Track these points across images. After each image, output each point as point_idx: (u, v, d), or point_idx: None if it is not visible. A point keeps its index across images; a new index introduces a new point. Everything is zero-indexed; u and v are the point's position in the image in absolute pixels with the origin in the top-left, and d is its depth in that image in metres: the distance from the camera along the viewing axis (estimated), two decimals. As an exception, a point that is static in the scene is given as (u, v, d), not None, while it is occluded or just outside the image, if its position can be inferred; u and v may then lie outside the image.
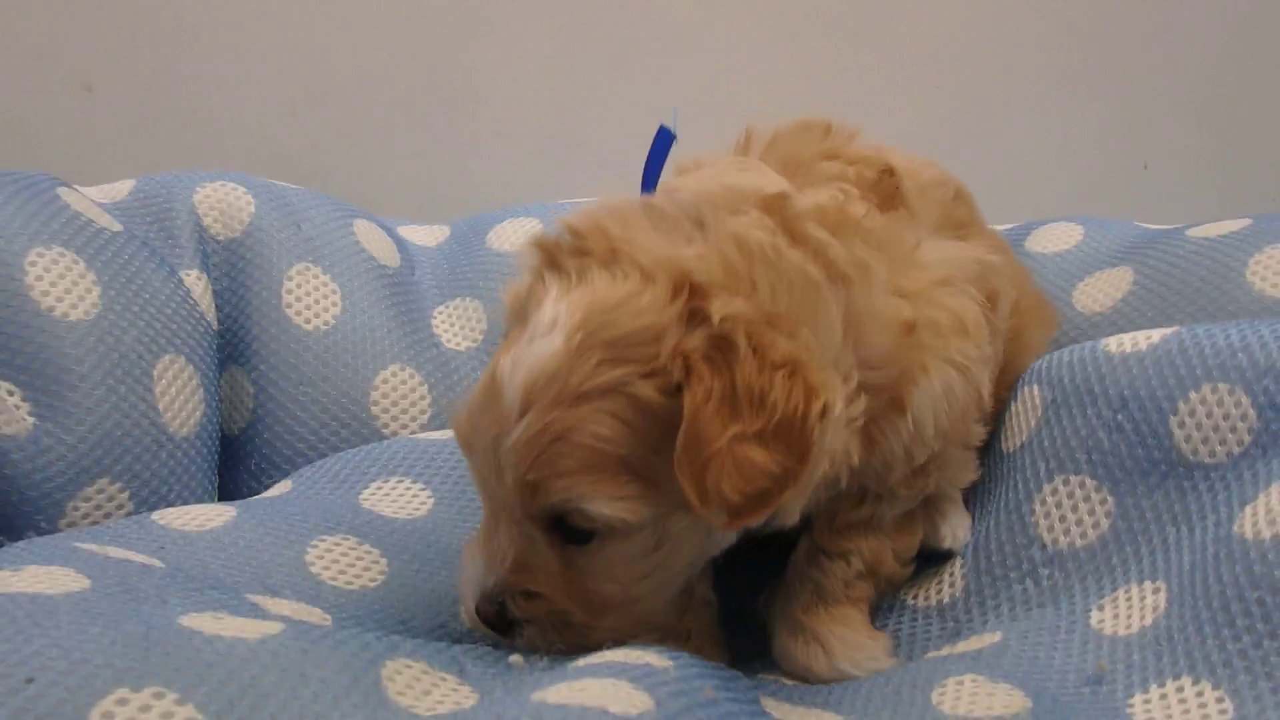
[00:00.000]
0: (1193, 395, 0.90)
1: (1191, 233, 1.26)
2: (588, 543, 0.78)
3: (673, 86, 2.01)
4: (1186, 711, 0.75)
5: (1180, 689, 0.77)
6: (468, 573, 0.81)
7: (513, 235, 1.38)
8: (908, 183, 0.99)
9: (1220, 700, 0.75)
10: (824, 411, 0.72)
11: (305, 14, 2.07)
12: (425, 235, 1.42)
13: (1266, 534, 0.80)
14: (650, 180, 1.00)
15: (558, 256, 0.80)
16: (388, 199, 1.60)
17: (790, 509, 0.81)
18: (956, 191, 1.08)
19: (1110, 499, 0.92)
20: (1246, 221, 1.23)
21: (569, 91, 2.07)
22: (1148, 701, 0.77)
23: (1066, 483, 0.95)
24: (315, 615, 0.76)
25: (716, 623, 0.96)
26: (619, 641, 0.77)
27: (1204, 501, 0.87)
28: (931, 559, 1.00)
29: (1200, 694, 0.76)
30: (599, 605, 0.80)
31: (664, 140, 1.00)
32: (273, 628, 0.67)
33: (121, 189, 1.23)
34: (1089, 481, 0.94)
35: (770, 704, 0.79)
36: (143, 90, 2.06)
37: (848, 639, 0.91)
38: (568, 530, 0.78)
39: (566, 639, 0.80)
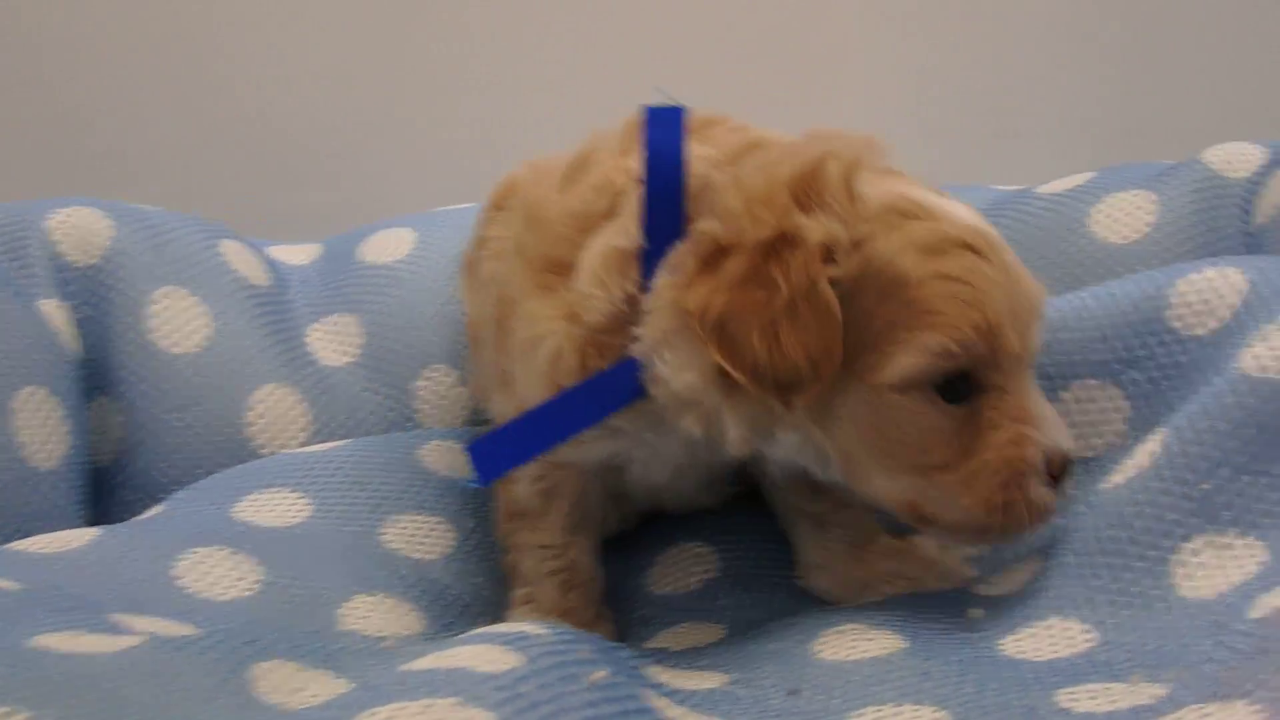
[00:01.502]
0: (1065, 394, 0.95)
1: (1041, 189, 1.30)
2: None
3: (536, 91, 2.04)
4: (1054, 643, 0.79)
5: (1049, 627, 0.81)
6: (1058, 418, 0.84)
7: (386, 246, 1.37)
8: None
9: (1086, 631, 0.79)
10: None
11: (176, 43, 2.06)
12: (296, 254, 1.41)
13: (1120, 480, 0.85)
14: None
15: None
16: (257, 222, 1.59)
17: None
18: None
19: None
20: (1091, 175, 1.28)
21: (449, 102, 2.09)
22: (1018, 640, 0.80)
23: None
24: (185, 629, 0.75)
25: (601, 599, 0.98)
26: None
27: (1084, 488, 0.90)
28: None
29: (1068, 629, 0.80)
30: None
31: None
32: (133, 640, 0.67)
33: (-32, 220, 1.20)
34: None
35: (655, 670, 0.81)
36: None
37: (926, 558, 0.94)
38: None
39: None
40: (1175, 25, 2.02)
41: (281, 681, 0.67)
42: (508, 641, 0.66)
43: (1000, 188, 1.40)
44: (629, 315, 0.84)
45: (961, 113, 2.03)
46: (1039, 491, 0.81)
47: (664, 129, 0.85)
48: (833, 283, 0.78)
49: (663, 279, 0.82)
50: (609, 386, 0.85)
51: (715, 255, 0.79)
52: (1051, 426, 0.82)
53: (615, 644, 0.80)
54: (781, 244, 0.78)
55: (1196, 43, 2.02)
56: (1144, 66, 2.03)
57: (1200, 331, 0.89)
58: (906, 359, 0.78)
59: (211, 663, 0.65)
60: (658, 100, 0.87)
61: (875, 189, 0.82)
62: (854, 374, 0.79)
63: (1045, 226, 1.24)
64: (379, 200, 1.80)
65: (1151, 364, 0.91)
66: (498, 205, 1.10)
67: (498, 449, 0.86)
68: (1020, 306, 0.81)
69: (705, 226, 0.81)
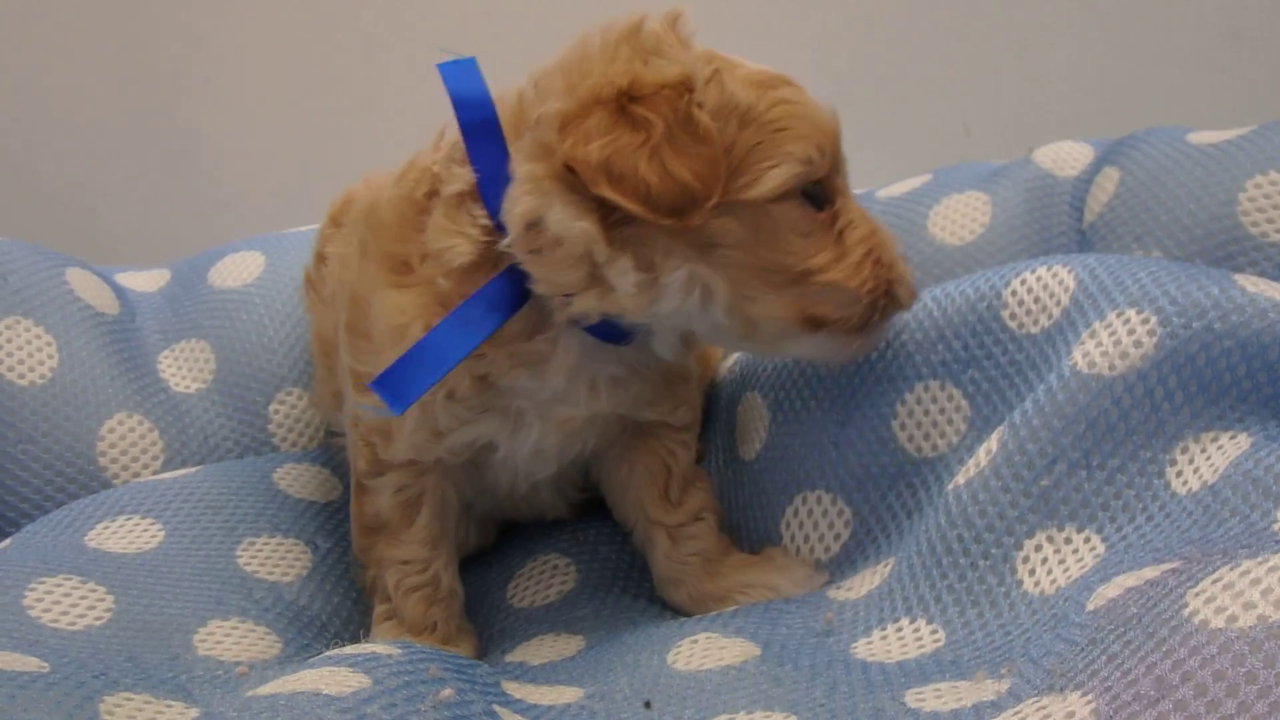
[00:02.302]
0: (908, 396, 0.97)
1: (880, 194, 1.34)
2: None
3: (387, 123, 2.03)
4: (904, 645, 0.81)
5: (899, 629, 0.83)
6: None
7: (235, 271, 1.35)
8: None
9: (934, 631, 0.82)
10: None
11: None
12: (145, 280, 1.38)
13: (962, 480, 0.87)
14: None
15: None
16: (104, 249, 1.56)
17: None
18: None
19: (847, 509, 0.97)
20: (927, 177, 1.32)
21: (292, 122, 2.06)
22: (869, 643, 0.83)
23: (805, 501, 1.00)
24: (32, 664, 0.72)
25: (462, 614, 0.99)
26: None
27: (931, 489, 0.94)
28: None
29: (917, 630, 0.82)
30: None
31: None
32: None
33: None
34: (825, 495, 0.99)
35: (512, 686, 0.81)
36: None
37: (781, 566, 0.98)
38: None
39: None
40: (1002, 25, 2.08)
41: (132, 713, 0.66)
42: (355, 664, 0.66)
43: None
44: (488, 247, 0.87)
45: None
46: (905, 267, 0.91)
47: (461, 74, 0.88)
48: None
49: (521, 167, 0.84)
50: (494, 295, 0.87)
51: (569, 125, 0.82)
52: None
53: (470, 661, 0.80)
54: (638, 88, 0.82)
55: (1022, 41, 2.08)
56: (971, 68, 2.09)
57: (1034, 330, 0.92)
58: (779, 171, 0.85)
59: (58, 698, 0.64)
60: (445, 58, 0.90)
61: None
62: (731, 198, 0.84)
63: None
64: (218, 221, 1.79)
65: (990, 363, 0.94)
66: (335, 221, 1.10)
67: (403, 377, 0.86)
68: (834, 124, 0.89)
69: (545, 109, 0.83)
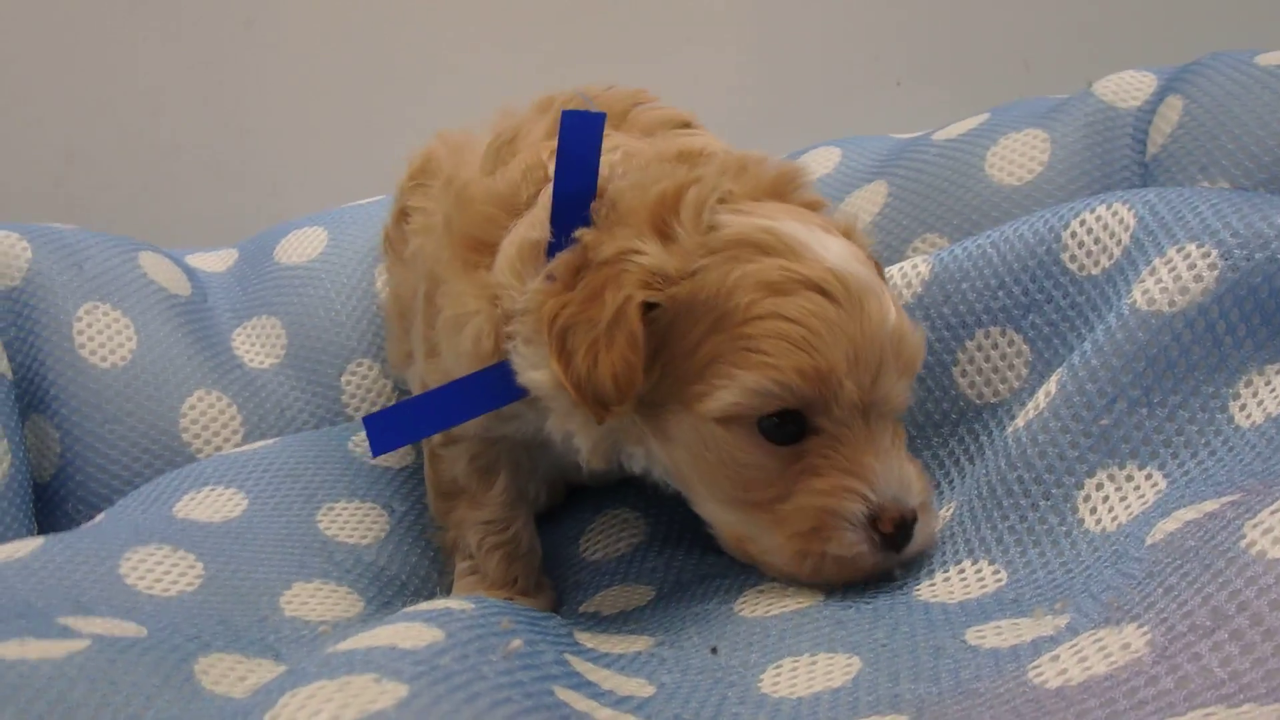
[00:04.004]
0: (969, 343, 0.96)
1: (937, 135, 1.32)
2: None
3: (437, 91, 2.04)
4: (966, 585, 0.82)
5: (962, 571, 0.83)
6: (907, 475, 0.83)
7: (299, 247, 1.39)
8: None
9: (996, 572, 0.82)
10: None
11: (76, 58, 2.05)
12: (214, 261, 1.42)
13: (1021, 422, 0.87)
14: None
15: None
16: (173, 232, 1.60)
17: None
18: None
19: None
20: (985, 116, 1.30)
21: (343, 100, 2.09)
22: (932, 585, 0.83)
23: None
24: (130, 629, 0.76)
25: (541, 569, 1.01)
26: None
27: (992, 434, 0.93)
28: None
29: (979, 571, 0.83)
30: None
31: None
32: (79, 645, 0.68)
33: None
34: None
35: (585, 636, 0.84)
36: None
37: None
38: None
39: None
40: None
41: (225, 672, 0.69)
42: (430, 619, 0.67)
43: (899, 136, 1.41)
44: None
45: (860, 62, 2.05)
46: (847, 545, 0.81)
47: (580, 134, 0.85)
48: (654, 308, 0.80)
49: (536, 282, 0.84)
50: (493, 382, 0.87)
51: (581, 266, 0.82)
52: (891, 482, 0.82)
53: (543, 614, 0.82)
54: (617, 264, 0.80)
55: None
56: (1030, 2, 2.06)
57: (1094, 271, 0.91)
58: (727, 395, 0.79)
59: (155, 661, 0.67)
60: (577, 104, 0.90)
61: (738, 220, 0.82)
62: (683, 401, 0.81)
63: (942, 174, 1.26)
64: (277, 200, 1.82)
65: (1050, 307, 0.93)
66: (415, 177, 1.12)
67: (391, 425, 0.88)
68: (869, 354, 0.80)
69: (583, 235, 0.83)
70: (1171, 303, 0.82)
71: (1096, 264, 0.91)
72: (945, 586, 0.82)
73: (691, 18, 2.05)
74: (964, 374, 0.96)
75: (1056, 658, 0.64)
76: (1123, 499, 0.80)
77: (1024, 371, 0.94)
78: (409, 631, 0.64)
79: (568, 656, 0.72)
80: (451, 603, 0.73)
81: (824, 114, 1.89)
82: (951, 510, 0.90)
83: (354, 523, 1.08)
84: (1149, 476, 0.80)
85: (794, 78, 2.00)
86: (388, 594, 1.02)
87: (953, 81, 2.01)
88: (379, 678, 0.56)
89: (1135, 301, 0.84)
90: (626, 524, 1.07)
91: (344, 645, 0.63)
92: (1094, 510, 0.81)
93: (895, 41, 2.01)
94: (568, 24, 2.01)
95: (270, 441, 1.20)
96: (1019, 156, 1.24)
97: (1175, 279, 0.82)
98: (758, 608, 0.83)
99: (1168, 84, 1.21)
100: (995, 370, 0.95)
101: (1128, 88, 1.25)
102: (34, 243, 1.25)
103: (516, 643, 0.65)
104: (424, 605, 0.74)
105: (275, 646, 0.77)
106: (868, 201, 1.33)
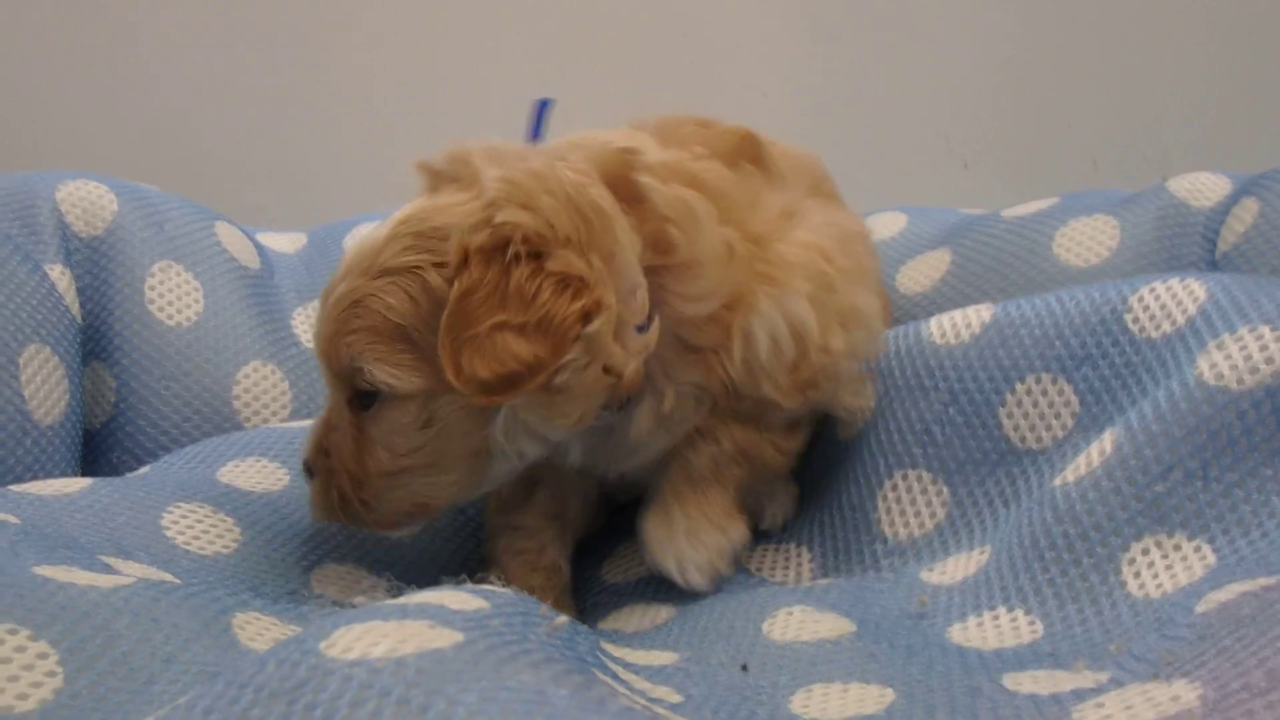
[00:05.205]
0: (1019, 386, 0.96)
1: (1006, 213, 1.34)
2: (370, 408, 0.87)
3: (523, 90, 2.07)
4: (1000, 633, 0.81)
5: (996, 618, 0.83)
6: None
7: (369, 239, 1.40)
8: (774, 152, 1.06)
9: (1032, 623, 0.81)
10: (584, 316, 0.81)
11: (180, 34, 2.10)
12: (283, 242, 1.45)
13: (1071, 477, 0.87)
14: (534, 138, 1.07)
15: (436, 178, 0.91)
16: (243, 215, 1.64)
17: (568, 410, 0.87)
18: (826, 175, 1.16)
19: (946, 489, 0.97)
20: (1055, 200, 1.32)
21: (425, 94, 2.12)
22: (964, 629, 0.82)
23: (905, 478, 0.99)
24: (166, 578, 0.77)
25: (567, 590, 1.01)
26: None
27: (1031, 482, 0.93)
28: (771, 538, 1.05)
29: (1014, 620, 0.82)
30: (373, 474, 0.88)
31: (542, 105, 1.06)
32: (125, 579, 0.69)
33: (-18, 185, 1.23)
34: (926, 475, 0.98)
35: (609, 646, 0.82)
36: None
37: (699, 526, 0.95)
38: (360, 395, 0.87)
39: (347, 510, 0.89)
40: (1131, 59, 2.07)
41: (261, 631, 0.69)
42: (475, 591, 0.68)
43: (966, 211, 1.43)
44: None
45: (930, 140, 2.08)
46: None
47: None
48: None
49: None
50: None
51: None
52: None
53: (572, 620, 0.82)
54: None
55: (1155, 75, 2.07)
56: (1099, 102, 2.08)
57: (1154, 334, 0.91)
58: None
59: (195, 608, 0.68)
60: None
61: None
62: None
63: (1009, 249, 1.28)
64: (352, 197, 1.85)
65: (1105, 363, 0.93)
66: None
67: None
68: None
69: None
70: (1239, 380, 0.82)
71: (1158, 328, 0.91)
72: (979, 631, 0.82)
73: (766, 81, 2.09)
74: (1010, 416, 0.96)
75: (1101, 705, 0.64)
76: (1169, 568, 0.79)
77: (1069, 423, 0.93)
78: (456, 597, 0.65)
79: (600, 656, 0.72)
80: (490, 586, 0.73)
81: (889, 186, 1.91)
82: (987, 555, 0.89)
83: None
84: (1198, 549, 0.79)
85: (862, 148, 2.02)
86: (421, 584, 1.01)
87: (1021, 170, 2.03)
88: (433, 624, 0.57)
89: (1202, 374, 0.83)
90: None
91: (392, 600, 0.63)
92: (1138, 575, 0.80)
93: (966, 124, 2.04)
94: (638, 76, 2.05)
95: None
96: (1088, 240, 1.25)
97: (1246, 358, 0.82)
98: (787, 631, 0.82)
99: (1244, 188, 1.23)
100: (1041, 417, 0.95)
101: (1202, 187, 1.26)
102: (121, 197, 1.27)
103: (562, 619, 0.66)
104: (465, 585, 0.74)
105: (308, 616, 0.77)
106: (929, 268, 1.34)
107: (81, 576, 0.68)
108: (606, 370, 0.85)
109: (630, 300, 0.86)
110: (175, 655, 0.64)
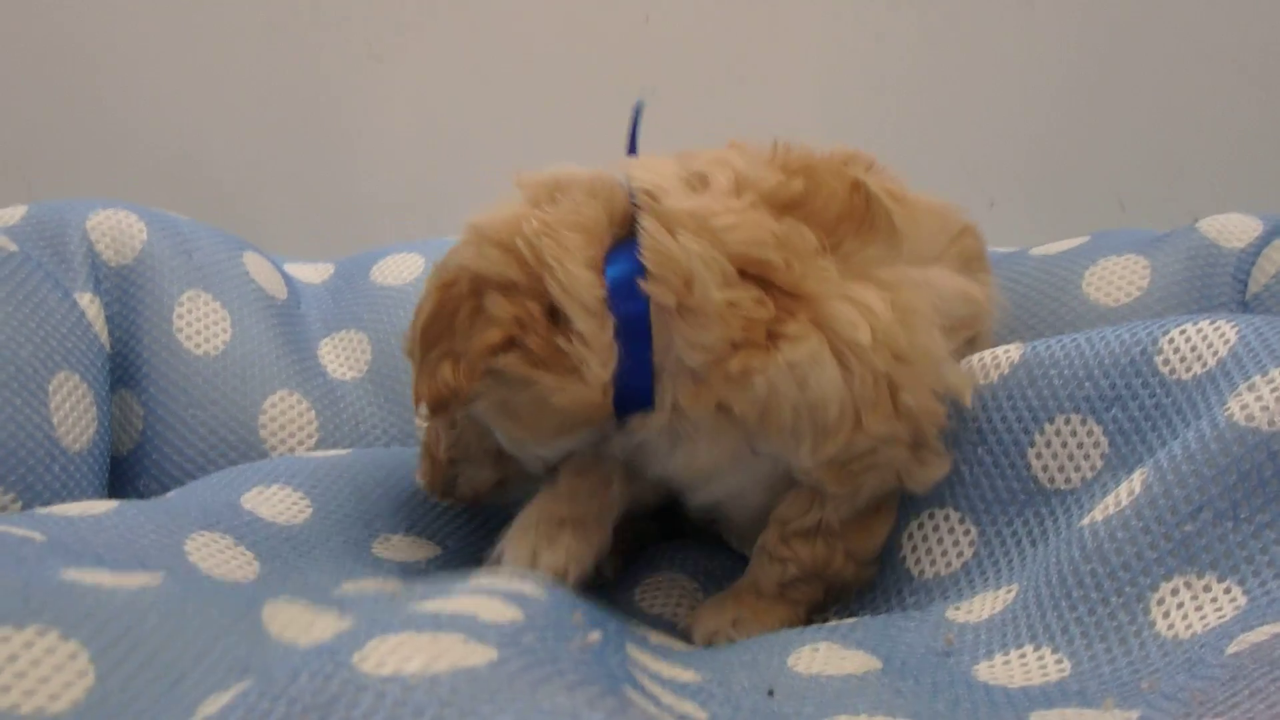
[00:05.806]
0: (1048, 427, 0.95)
1: (1035, 251, 1.33)
2: None
3: (557, 123, 2.09)
4: (1028, 671, 0.80)
5: (1023, 655, 0.82)
6: None
7: (396, 270, 1.42)
8: (890, 205, 0.97)
9: (1059, 661, 0.80)
10: (491, 351, 0.88)
11: (193, 58, 2.13)
12: (310, 272, 1.46)
13: (1099, 516, 0.86)
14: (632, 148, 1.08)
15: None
16: (274, 239, 1.65)
17: (533, 426, 0.94)
18: (965, 228, 1.07)
19: (973, 529, 0.97)
20: (1084, 239, 1.32)
21: (454, 127, 2.14)
22: (991, 666, 0.82)
23: (932, 516, 0.99)
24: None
25: (610, 514, 0.99)
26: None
27: (1059, 521, 0.92)
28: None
29: (1041, 658, 0.81)
30: (441, 461, 1.06)
31: (637, 112, 1.07)
32: (152, 579, 0.69)
33: (14, 214, 1.25)
34: (953, 514, 0.98)
35: (634, 650, 0.81)
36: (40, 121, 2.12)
37: (748, 624, 0.96)
38: None
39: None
40: (1160, 99, 2.07)
41: (293, 618, 0.68)
42: (507, 596, 0.67)
43: (993, 249, 1.42)
44: None
45: (957, 177, 2.08)
46: None
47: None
48: None
49: None
50: None
51: None
52: None
53: (605, 613, 0.81)
54: None
55: (1183, 116, 2.06)
56: (1131, 140, 2.08)
57: (1184, 376, 0.90)
58: None
59: (225, 601, 0.68)
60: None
61: None
62: None
63: (1038, 287, 1.27)
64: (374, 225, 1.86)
65: (1135, 404, 0.92)
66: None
67: None
68: None
69: None
70: (1271, 421, 0.81)
71: (1189, 370, 0.90)
72: (1005, 670, 0.81)
73: (786, 119, 2.10)
74: (1039, 456, 0.95)
75: (1131, 740, 0.63)
76: (1198, 608, 0.78)
77: (1099, 464, 0.93)
78: (489, 605, 0.64)
79: (630, 669, 0.71)
80: (525, 587, 0.73)
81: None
82: (1014, 593, 0.88)
83: (405, 547, 1.09)
84: (1228, 590, 0.78)
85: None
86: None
87: (1048, 210, 2.02)
88: (466, 639, 0.57)
89: (1233, 414, 0.82)
90: (685, 591, 1.08)
91: (426, 606, 0.63)
92: (1167, 614, 0.79)
93: (992, 163, 2.04)
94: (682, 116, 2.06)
95: (343, 451, 1.21)
96: (1118, 279, 1.24)
97: (1277, 399, 0.81)
98: (812, 665, 0.82)
99: (1274, 229, 1.22)
100: (1070, 458, 0.94)
101: (1233, 228, 1.26)
102: (150, 226, 1.28)
103: (595, 635, 0.65)
104: (498, 582, 0.72)
105: (341, 601, 0.77)
106: (954, 305, 1.32)
107: (108, 578, 0.68)
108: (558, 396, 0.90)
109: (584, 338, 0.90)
110: (205, 650, 0.63)
